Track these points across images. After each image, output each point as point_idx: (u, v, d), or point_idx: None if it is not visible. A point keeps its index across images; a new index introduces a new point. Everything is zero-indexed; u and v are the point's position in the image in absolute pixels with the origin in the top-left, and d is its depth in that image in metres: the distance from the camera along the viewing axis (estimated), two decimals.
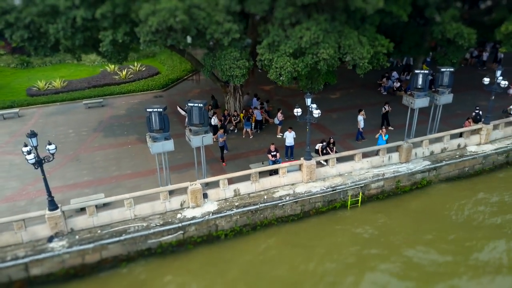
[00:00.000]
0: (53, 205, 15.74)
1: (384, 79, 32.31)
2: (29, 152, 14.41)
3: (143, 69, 37.66)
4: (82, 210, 17.04)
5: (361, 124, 23.93)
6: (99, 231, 16.56)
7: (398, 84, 31.74)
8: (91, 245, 16.14)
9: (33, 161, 14.46)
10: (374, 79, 32.77)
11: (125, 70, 36.20)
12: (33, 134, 14.50)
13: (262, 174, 19.36)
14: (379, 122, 25.38)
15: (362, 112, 24.01)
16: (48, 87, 33.36)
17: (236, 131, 25.60)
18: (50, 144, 15.18)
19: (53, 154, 15.28)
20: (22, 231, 15.75)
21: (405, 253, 17.19)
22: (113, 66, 37.29)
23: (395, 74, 33.30)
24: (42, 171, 15.11)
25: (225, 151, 22.17)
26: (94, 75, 37.06)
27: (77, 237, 16.29)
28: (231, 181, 18.74)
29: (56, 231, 16.04)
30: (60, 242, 15.99)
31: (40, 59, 41.41)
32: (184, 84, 35.33)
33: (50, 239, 15.96)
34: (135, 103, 31.13)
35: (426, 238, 17.91)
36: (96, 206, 16.79)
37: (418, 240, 17.79)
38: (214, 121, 24.07)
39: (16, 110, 29.08)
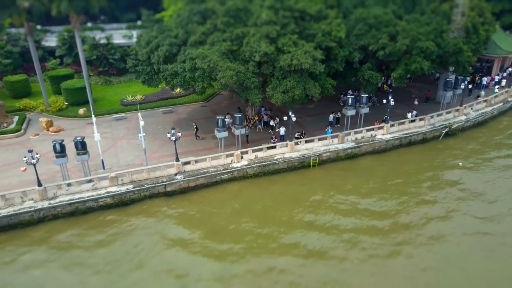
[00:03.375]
0: (177, 159, 36.03)
1: (342, 95, 52.53)
2: (172, 135, 34.63)
3: (189, 87, 57.65)
4: (186, 163, 37.28)
5: (330, 119, 44.50)
6: (195, 172, 36.80)
7: None
8: (193, 178, 36.36)
9: (174, 139, 34.68)
10: (336, 95, 52.83)
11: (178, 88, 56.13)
12: (173, 128, 34.76)
13: (268, 148, 39.62)
14: (333, 122, 45.71)
15: (333, 113, 44.62)
16: (133, 99, 53.56)
17: (253, 127, 45.84)
18: (179, 132, 35.45)
19: (180, 137, 35.52)
20: (164, 171, 35.99)
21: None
22: None
23: (350, 92, 53.32)
24: (175, 144, 35.38)
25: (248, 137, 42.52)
26: (157, 91, 56.93)
27: (187, 174, 36.53)
28: (253, 151, 38.92)
29: (178, 171, 36.30)
30: (179, 176, 36.19)
31: (117, 78, 61.94)
32: (217, 97, 55.47)
33: (176, 174, 36.20)
34: (190, 110, 51.35)
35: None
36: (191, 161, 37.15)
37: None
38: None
39: (123, 114, 49.29)
